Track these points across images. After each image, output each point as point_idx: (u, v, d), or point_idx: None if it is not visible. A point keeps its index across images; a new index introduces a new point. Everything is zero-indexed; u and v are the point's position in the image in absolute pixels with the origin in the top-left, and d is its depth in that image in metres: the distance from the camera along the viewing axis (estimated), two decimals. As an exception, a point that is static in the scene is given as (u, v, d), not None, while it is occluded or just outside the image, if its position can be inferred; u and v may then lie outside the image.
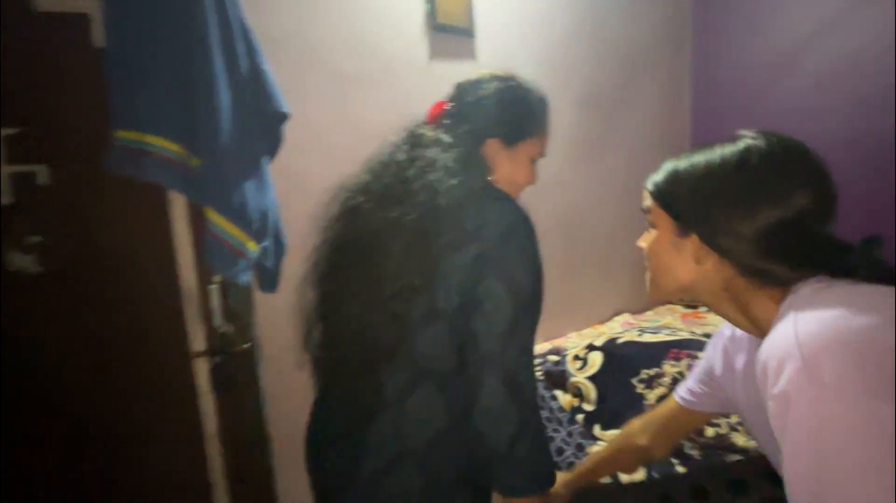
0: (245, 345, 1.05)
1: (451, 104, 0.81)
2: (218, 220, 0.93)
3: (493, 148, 0.77)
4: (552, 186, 2.04)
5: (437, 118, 0.81)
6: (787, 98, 2.17)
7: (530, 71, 1.89)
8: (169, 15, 0.90)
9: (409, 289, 0.67)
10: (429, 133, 0.77)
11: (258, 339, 1.09)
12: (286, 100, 1.04)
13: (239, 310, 1.04)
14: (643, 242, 0.65)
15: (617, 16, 2.14)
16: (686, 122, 2.51)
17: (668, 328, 2.04)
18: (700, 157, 0.59)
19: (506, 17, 1.81)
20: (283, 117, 1.04)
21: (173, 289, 1.01)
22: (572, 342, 2.05)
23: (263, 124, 1.02)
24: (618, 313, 2.31)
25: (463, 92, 0.81)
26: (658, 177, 0.63)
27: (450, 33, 1.67)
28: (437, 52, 1.66)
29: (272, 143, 1.06)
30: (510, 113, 0.77)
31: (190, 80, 0.91)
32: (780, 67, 2.17)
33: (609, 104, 2.18)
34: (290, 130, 1.08)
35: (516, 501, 0.69)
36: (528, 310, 0.67)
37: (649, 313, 2.35)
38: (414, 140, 0.77)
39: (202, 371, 1.03)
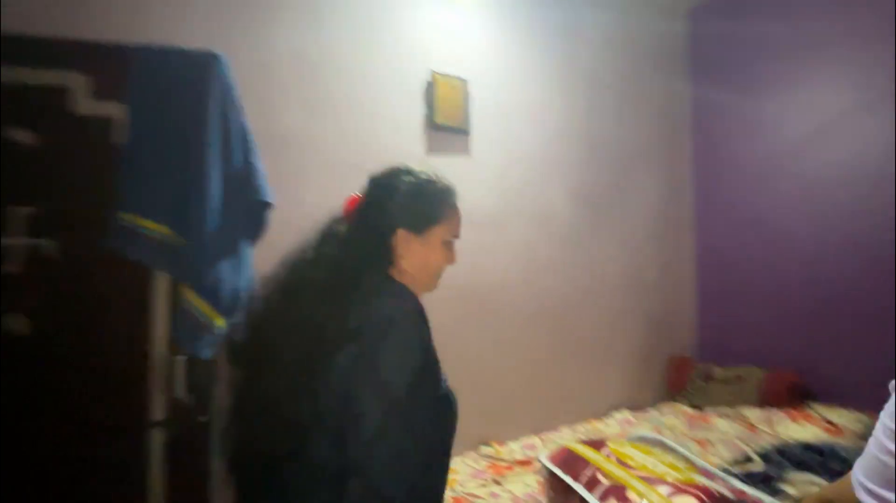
0: (202, 418, 1.08)
1: (364, 198, 0.84)
2: (191, 297, 1.01)
3: (402, 237, 0.79)
4: (541, 272, 2.06)
5: (352, 213, 0.83)
6: (788, 198, 2.18)
7: (524, 166, 2.03)
8: (178, 120, 1.07)
9: (298, 393, 0.66)
10: (341, 229, 0.80)
11: (217, 412, 1.12)
12: (289, 188, 1.16)
13: (202, 382, 1.09)
14: None
15: (610, 116, 2.28)
16: (687, 216, 2.53)
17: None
18: None
19: (501, 116, 1.97)
20: (266, 206, 1.16)
21: (143, 359, 1.07)
22: (564, 437, 1.95)
23: (248, 212, 1.14)
24: (615, 408, 2.19)
25: (374, 186, 0.84)
26: None
27: (447, 132, 1.83)
28: (433, 148, 1.82)
29: (255, 229, 1.17)
30: (416, 203, 0.81)
31: (187, 174, 1.05)
32: (780, 167, 2.21)
33: (603, 199, 2.25)
34: (289, 213, 1.18)
35: None
36: (405, 412, 0.64)
37: (653, 412, 2.21)
38: (326, 236, 0.80)
39: (157, 440, 1.06)
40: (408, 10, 1.80)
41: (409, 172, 0.85)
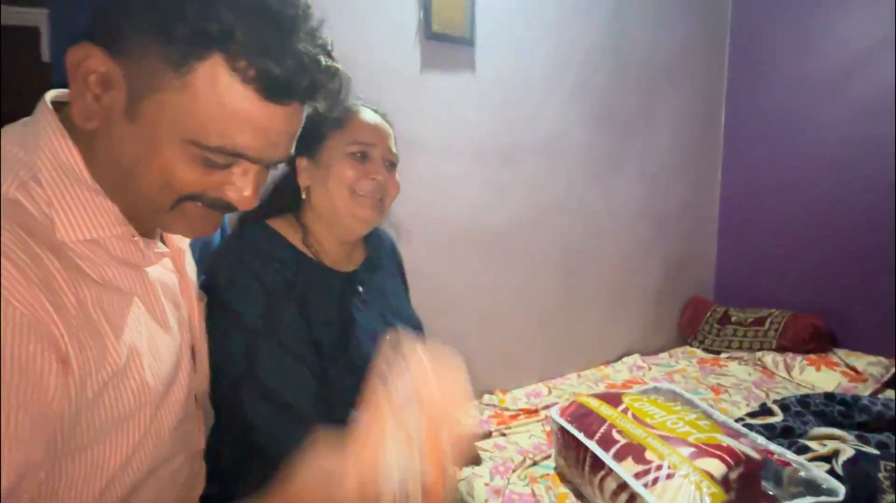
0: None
1: None
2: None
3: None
4: (553, 211, 1.87)
5: None
6: (825, 130, 1.93)
7: (538, 87, 1.75)
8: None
9: None
10: None
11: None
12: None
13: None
14: None
15: (641, 28, 1.96)
16: (717, 145, 2.28)
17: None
18: None
19: (512, 24, 1.66)
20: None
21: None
22: (571, 384, 1.86)
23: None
24: (626, 354, 2.09)
25: None
26: None
27: (446, 42, 1.55)
28: (429, 63, 1.55)
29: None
30: None
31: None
32: (821, 96, 1.94)
33: (627, 123, 1.99)
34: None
35: None
36: None
37: (663, 355, 2.12)
38: None
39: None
40: None
41: None
